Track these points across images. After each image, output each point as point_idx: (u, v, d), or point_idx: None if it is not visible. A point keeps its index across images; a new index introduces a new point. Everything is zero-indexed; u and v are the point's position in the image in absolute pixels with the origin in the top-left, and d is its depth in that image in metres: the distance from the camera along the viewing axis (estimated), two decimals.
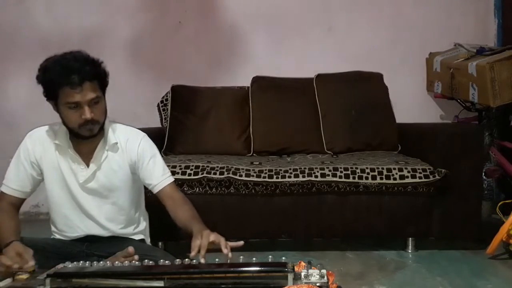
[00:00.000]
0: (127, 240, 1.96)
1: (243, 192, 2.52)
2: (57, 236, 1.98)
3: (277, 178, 2.50)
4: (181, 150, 2.96)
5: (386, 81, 3.21)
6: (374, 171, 2.51)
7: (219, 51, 3.51)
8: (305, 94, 3.13)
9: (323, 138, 3.03)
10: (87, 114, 1.76)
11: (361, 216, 2.54)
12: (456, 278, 2.22)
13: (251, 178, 2.50)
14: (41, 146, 1.89)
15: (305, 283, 1.33)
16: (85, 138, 1.85)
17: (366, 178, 2.49)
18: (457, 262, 2.44)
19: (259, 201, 2.53)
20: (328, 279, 1.34)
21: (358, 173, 2.51)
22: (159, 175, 1.94)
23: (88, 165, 1.89)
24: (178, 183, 2.22)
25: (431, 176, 2.48)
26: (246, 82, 3.23)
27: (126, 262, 1.56)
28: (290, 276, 1.36)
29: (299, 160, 2.74)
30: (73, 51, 1.81)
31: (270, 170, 2.54)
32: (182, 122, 3.06)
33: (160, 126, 3.22)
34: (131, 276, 1.46)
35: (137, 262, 1.57)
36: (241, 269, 1.46)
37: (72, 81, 1.72)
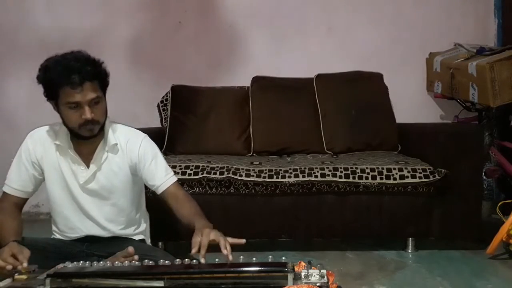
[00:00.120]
0: (127, 240, 1.96)
1: (243, 192, 2.52)
2: (58, 236, 1.98)
3: (277, 178, 2.50)
4: (181, 150, 2.96)
5: (386, 81, 3.21)
6: (374, 171, 2.51)
7: (219, 51, 3.51)
8: (305, 94, 3.13)
9: (323, 138, 3.03)
10: (88, 114, 1.76)
11: (361, 216, 2.54)
12: (456, 278, 2.22)
13: (251, 178, 2.50)
14: (41, 146, 1.89)
15: (305, 283, 1.33)
16: (85, 139, 1.84)
17: (366, 178, 2.49)
18: (457, 262, 2.44)
19: (259, 201, 2.53)
20: (328, 279, 1.34)
21: (358, 173, 2.51)
22: (162, 175, 1.93)
23: (88, 166, 1.89)
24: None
25: (431, 176, 2.48)
26: (246, 82, 3.23)
27: (126, 262, 1.56)
28: (290, 276, 1.37)
29: (299, 160, 2.74)
30: (74, 51, 1.81)
31: (270, 170, 2.54)
32: (182, 122, 3.06)
33: (160, 126, 3.22)
34: (131, 276, 1.46)
35: (137, 262, 1.57)
36: (241, 269, 1.46)
37: (72, 81, 1.72)
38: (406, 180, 2.48)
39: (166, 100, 3.19)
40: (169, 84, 3.20)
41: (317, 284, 1.32)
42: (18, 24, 3.47)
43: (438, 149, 2.59)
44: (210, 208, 2.44)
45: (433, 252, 2.57)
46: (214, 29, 3.50)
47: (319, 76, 3.20)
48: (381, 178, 2.49)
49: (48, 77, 1.75)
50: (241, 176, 2.51)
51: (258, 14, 3.48)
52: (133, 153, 1.92)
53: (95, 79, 1.78)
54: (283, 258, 1.48)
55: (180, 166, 2.53)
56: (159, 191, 1.93)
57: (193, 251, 1.59)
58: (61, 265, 1.55)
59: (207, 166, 2.55)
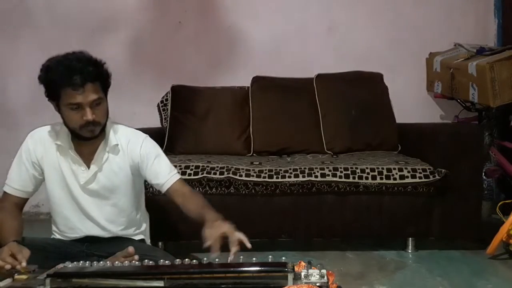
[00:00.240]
0: (127, 240, 1.96)
1: (243, 192, 2.52)
2: (57, 236, 1.98)
3: (277, 178, 2.50)
4: (181, 150, 2.96)
5: (386, 81, 3.21)
6: (374, 171, 2.51)
7: (219, 51, 3.51)
8: (305, 94, 3.13)
9: (323, 138, 3.03)
10: (89, 115, 1.75)
11: (361, 216, 2.54)
12: (456, 278, 2.23)
13: (251, 178, 2.50)
14: (42, 147, 1.89)
15: (305, 283, 1.33)
16: (86, 139, 1.84)
17: (366, 178, 2.49)
18: (457, 262, 2.44)
19: (259, 201, 2.53)
20: (328, 279, 1.34)
21: (358, 173, 2.51)
22: (166, 173, 1.92)
23: (88, 167, 1.89)
24: None
25: (431, 176, 2.48)
26: (246, 82, 3.23)
27: (126, 262, 1.57)
28: (290, 276, 1.37)
29: (299, 160, 2.74)
30: (76, 52, 1.80)
31: (270, 170, 2.54)
32: (182, 122, 3.06)
33: (160, 126, 3.22)
34: (131, 276, 1.46)
35: (137, 262, 1.57)
36: (241, 269, 1.46)
37: (74, 82, 1.71)
38: (406, 180, 2.48)
39: (166, 100, 3.19)
40: (169, 84, 3.19)
41: (317, 284, 1.32)
42: (18, 23, 3.47)
43: (438, 149, 2.59)
44: None
45: (433, 252, 2.57)
46: (214, 29, 3.49)
47: (319, 76, 3.19)
48: (381, 178, 2.49)
49: (49, 77, 1.75)
50: (241, 176, 2.51)
51: (258, 14, 3.48)
52: (134, 153, 1.92)
53: (97, 80, 1.77)
54: (283, 258, 1.48)
55: (180, 166, 2.53)
56: (164, 189, 1.92)
57: (207, 244, 1.57)
58: (61, 265, 1.55)
59: (207, 166, 2.55)
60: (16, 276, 1.53)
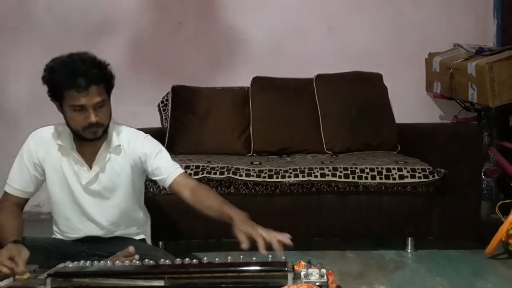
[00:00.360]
0: (127, 240, 1.96)
1: (243, 192, 2.53)
2: (58, 236, 1.98)
3: (277, 178, 2.51)
4: (181, 150, 2.97)
5: (385, 81, 3.22)
6: (374, 171, 2.51)
7: (219, 51, 3.51)
8: (305, 94, 3.13)
9: (323, 138, 3.04)
10: (92, 118, 1.75)
11: (361, 216, 2.55)
12: (456, 278, 2.23)
13: (251, 178, 2.51)
14: (43, 147, 1.89)
15: (305, 282, 1.33)
16: (88, 141, 1.84)
17: (366, 178, 2.50)
18: (457, 262, 2.44)
19: (259, 201, 2.53)
20: (327, 278, 1.34)
21: (357, 173, 2.51)
22: (168, 167, 1.91)
23: (90, 167, 1.89)
24: None
25: (430, 176, 2.48)
26: (246, 82, 3.23)
27: (127, 261, 1.57)
28: (290, 276, 1.37)
29: (299, 160, 2.74)
30: (80, 53, 1.79)
31: (270, 170, 2.55)
32: (182, 122, 3.07)
33: (160, 126, 3.22)
34: (132, 276, 1.46)
35: (137, 262, 1.58)
36: (241, 268, 1.46)
37: (78, 85, 1.70)
38: (406, 180, 2.49)
39: (167, 100, 3.20)
40: (169, 84, 3.20)
41: (317, 284, 1.32)
42: (19, 23, 3.47)
43: (438, 149, 2.60)
44: None
45: (433, 252, 2.58)
46: (214, 29, 3.50)
47: (319, 76, 3.20)
48: (381, 178, 2.50)
49: (53, 78, 1.74)
50: (241, 176, 2.51)
51: (258, 14, 3.48)
52: (135, 152, 1.92)
53: (101, 83, 1.77)
54: (283, 257, 1.48)
55: (180, 166, 2.53)
56: (167, 183, 1.90)
57: (245, 245, 1.54)
58: (61, 265, 1.55)
59: (207, 166, 2.55)
60: (17, 276, 1.54)
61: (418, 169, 2.51)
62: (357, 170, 2.52)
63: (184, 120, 3.07)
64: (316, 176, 2.50)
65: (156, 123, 3.24)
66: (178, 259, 1.56)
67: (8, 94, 3.51)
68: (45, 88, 1.78)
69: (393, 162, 2.60)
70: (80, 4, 3.46)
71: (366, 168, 2.53)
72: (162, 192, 2.45)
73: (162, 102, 3.24)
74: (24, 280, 1.53)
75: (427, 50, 3.42)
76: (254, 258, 1.48)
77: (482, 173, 2.87)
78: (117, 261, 1.57)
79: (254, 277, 1.44)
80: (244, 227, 1.60)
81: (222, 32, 3.50)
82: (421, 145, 2.78)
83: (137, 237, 2.03)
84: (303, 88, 3.16)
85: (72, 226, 1.94)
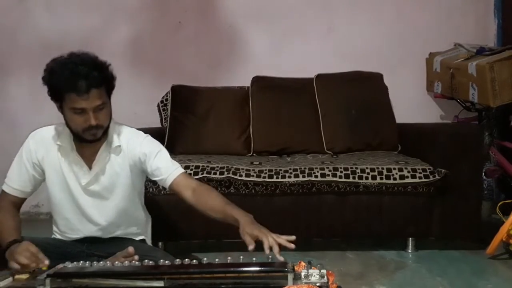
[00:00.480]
0: (127, 240, 1.96)
1: (243, 192, 2.52)
2: (58, 236, 1.98)
3: (277, 178, 2.51)
4: (181, 150, 2.96)
5: (386, 81, 3.21)
6: (374, 171, 2.51)
7: (219, 51, 3.51)
8: (305, 94, 3.13)
9: (323, 138, 3.03)
10: (92, 120, 1.74)
11: (361, 216, 2.54)
12: (456, 278, 2.23)
13: (251, 178, 2.50)
14: (43, 148, 1.88)
15: (305, 283, 1.33)
16: (88, 142, 1.83)
17: (366, 178, 2.49)
18: (457, 262, 2.44)
19: (259, 201, 2.53)
20: (328, 279, 1.34)
21: (358, 173, 2.51)
22: (168, 167, 1.89)
23: (90, 168, 1.88)
24: None
25: (431, 176, 2.48)
26: (246, 82, 3.23)
27: (126, 262, 1.56)
28: (290, 276, 1.37)
29: (299, 160, 2.74)
30: (81, 53, 1.78)
31: (270, 170, 2.54)
32: (182, 122, 3.06)
33: (160, 126, 3.22)
34: (131, 276, 1.46)
35: (137, 262, 1.57)
36: (241, 269, 1.46)
37: (79, 88, 1.69)
38: (406, 180, 2.48)
39: (166, 100, 3.19)
40: (169, 84, 3.19)
41: (317, 284, 1.32)
42: (18, 24, 3.47)
43: (438, 149, 2.59)
44: None
45: (433, 252, 2.57)
46: (214, 29, 3.49)
47: (319, 76, 3.20)
48: (381, 178, 2.49)
49: (54, 80, 1.72)
50: (241, 176, 2.51)
51: (258, 14, 3.48)
52: (134, 152, 1.91)
53: (102, 85, 1.75)
54: (283, 258, 1.48)
55: (180, 165, 2.52)
56: (168, 183, 1.88)
57: (252, 247, 1.54)
58: (61, 265, 1.54)
59: (207, 166, 2.55)
60: (16, 276, 1.53)
61: (418, 169, 2.50)
62: (358, 170, 2.51)
63: (184, 120, 3.07)
64: (316, 176, 2.49)
65: (156, 123, 3.23)
66: (177, 260, 1.56)
67: (8, 95, 3.50)
68: (45, 88, 1.77)
69: (393, 162, 2.59)
70: (80, 3, 3.46)
71: (367, 168, 2.53)
72: (162, 192, 2.45)
73: (161, 102, 3.23)
74: (23, 280, 1.52)
75: (428, 50, 3.41)
76: (254, 259, 1.48)
77: (483, 173, 2.86)
78: (116, 262, 1.57)
79: (254, 277, 1.44)
80: (250, 230, 1.59)
81: (222, 32, 3.49)
82: (422, 145, 2.78)
83: (137, 238, 2.02)
84: (303, 88, 3.16)
85: (71, 227, 1.94)
